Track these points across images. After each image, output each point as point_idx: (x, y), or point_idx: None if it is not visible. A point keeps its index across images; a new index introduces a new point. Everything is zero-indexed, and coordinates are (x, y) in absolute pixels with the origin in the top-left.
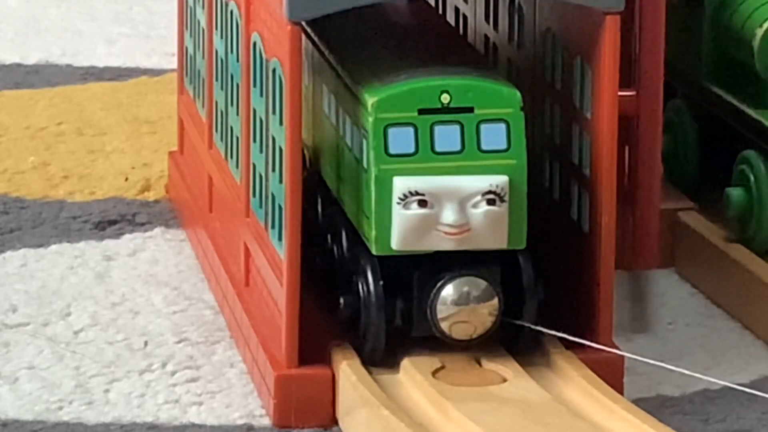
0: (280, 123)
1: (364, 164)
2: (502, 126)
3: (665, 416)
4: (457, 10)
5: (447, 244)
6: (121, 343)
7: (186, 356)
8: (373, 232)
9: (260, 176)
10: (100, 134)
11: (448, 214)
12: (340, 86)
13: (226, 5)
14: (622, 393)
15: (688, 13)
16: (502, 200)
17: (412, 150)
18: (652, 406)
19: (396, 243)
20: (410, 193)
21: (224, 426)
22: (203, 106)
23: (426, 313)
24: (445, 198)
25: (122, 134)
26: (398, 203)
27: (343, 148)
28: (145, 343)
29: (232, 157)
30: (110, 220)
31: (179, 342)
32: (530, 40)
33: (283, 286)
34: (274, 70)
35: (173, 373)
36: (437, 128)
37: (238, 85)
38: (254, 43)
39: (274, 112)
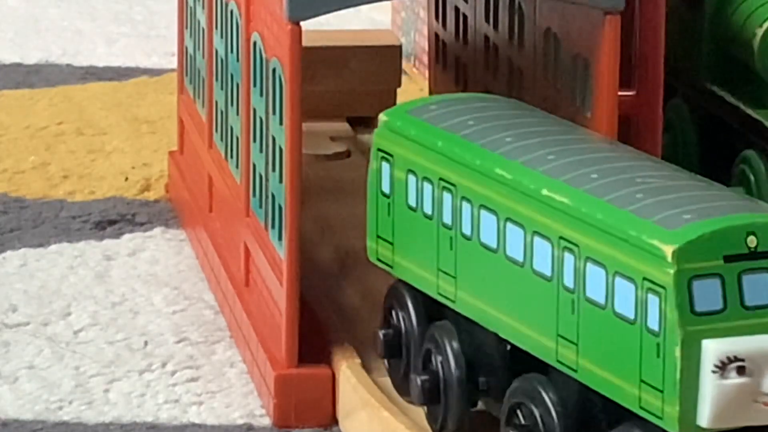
0: (280, 123)
1: (652, 326)
2: None
3: None
4: (457, 10)
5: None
6: (121, 343)
7: (186, 356)
8: (676, 408)
9: (260, 176)
10: (100, 134)
11: None
12: (570, 225)
13: (226, 5)
14: None
15: (688, 13)
16: None
17: (719, 306)
18: None
19: (708, 420)
20: (728, 359)
21: (224, 426)
22: (203, 106)
23: None
24: (766, 363)
25: (122, 134)
26: (714, 372)
27: (584, 305)
28: (145, 343)
29: (232, 157)
30: (110, 220)
31: (179, 342)
32: (530, 40)
33: (283, 286)
34: (274, 70)
35: (173, 373)
36: (746, 278)
37: (238, 85)
38: (254, 43)
39: (274, 112)
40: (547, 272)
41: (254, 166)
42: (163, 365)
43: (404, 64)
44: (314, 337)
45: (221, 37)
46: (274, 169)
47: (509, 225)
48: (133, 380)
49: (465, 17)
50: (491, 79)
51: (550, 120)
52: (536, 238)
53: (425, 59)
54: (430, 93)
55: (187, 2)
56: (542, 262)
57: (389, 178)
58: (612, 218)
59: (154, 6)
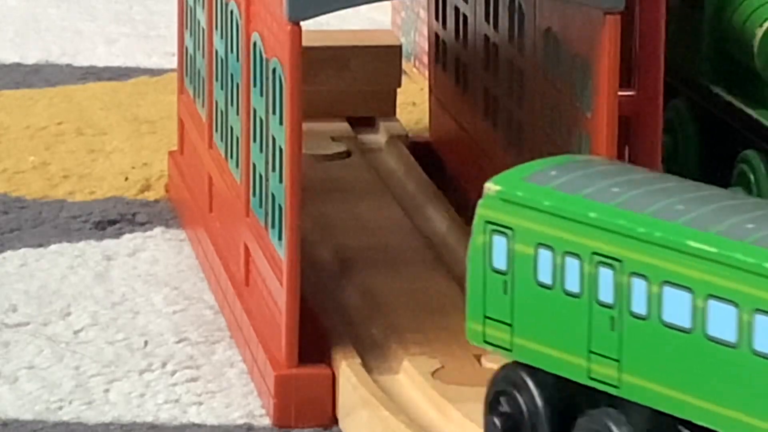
0: (280, 123)
1: None
2: None
3: None
4: (457, 9)
5: None
6: (121, 343)
7: (186, 356)
8: None
9: (260, 176)
10: (100, 134)
11: None
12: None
13: (226, 5)
14: None
15: (688, 13)
16: None
17: None
18: None
19: None
20: None
21: (224, 426)
22: (203, 106)
23: None
24: None
25: (122, 134)
26: None
27: None
28: (145, 343)
29: (232, 156)
30: (110, 220)
31: (179, 342)
32: (530, 40)
33: (283, 286)
34: (274, 70)
35: (173, 373)
36: None
37: (238, 85)
38: (254, 43)
39: (274, 112)
40: None
41: (254, 166)
42: (163, 365)
43: (404, 64)
44: (314, 337)
45: (221, 37)
46: (274, 169)
47: (713, 303)
48: (133, 380)
49: (465, 17)
50: (491, 79)
51: (693, 183)
52: (759, 317)
53: (425, 59)
54: (430, 93)
55: (187, 2)
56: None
57: (506, 253)
58: None
59: (154, 6)
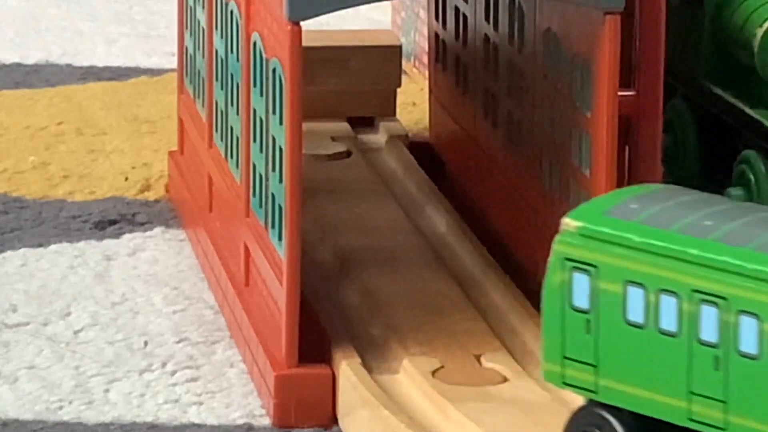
0: (280, 123)
1: None
2: None
3: None
4: (457, 9)
5: None
6: (121, 343)
7: (186, 356)
8: None
9: (260, 176)
10: (100, 134)
11: None
12: None
13: (226, 5)
14: None
15: (688, 13)
16: None
17: None
18: None
19: None
20: None
21: (224, 426)
22: (203, 106)
23: None
24: None
25: (122, 134)
26: None
27: None
28: (145, 343)
29: (232, 156)
30: (110, 220)
31: (179, 342)
32: (530, 40)
33: (283, 286)
34: (274, 70)
35: (173, 373)
36: None
37: (238, 85)
38: (254, 43)
39: (274, 112)
40: None
41: (254, 166)
42: (163, 365)
43: (404, 64)
44: (314, 337)
45: (221, 37)
46: (274, 169)
47: None
48: (133, 380)
49: (465, 17)
50: (491, 79)
51: None
52: None
53: (425, 59)
54: (430, 93)
55: (187, 2)
56: None
57: (589, 291)
58: None
59: (154, 6)
